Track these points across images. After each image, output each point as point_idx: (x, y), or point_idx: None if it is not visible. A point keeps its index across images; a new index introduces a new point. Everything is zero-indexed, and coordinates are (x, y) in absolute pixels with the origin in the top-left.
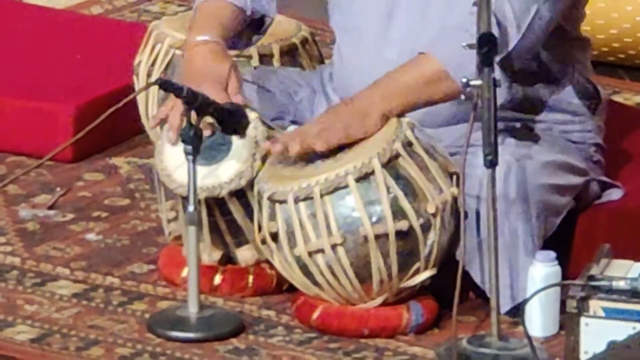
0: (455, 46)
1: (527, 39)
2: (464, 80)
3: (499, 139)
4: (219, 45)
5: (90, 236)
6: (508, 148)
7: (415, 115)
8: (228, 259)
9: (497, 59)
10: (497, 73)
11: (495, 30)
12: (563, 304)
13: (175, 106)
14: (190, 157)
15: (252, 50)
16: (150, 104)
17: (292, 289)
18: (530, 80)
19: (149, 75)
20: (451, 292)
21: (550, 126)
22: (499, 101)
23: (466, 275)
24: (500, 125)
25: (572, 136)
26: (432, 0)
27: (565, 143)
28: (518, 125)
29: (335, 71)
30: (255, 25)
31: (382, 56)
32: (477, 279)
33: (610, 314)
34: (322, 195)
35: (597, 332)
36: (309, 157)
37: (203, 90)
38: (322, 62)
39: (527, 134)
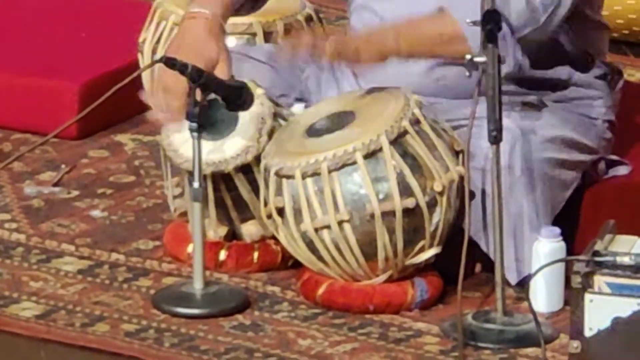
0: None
1: (554, 16)
2: (468, 57)
3: (505, 112)
4: (214, 22)
5: (95, 213)
6: (514, 121)
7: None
8: (233, 235)
9: (520, 33)
10: (510, 44)
11: (522, 6)
12: (568, 279)
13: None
14: (195, 135)
15: (257, 28)
16: (155, 81)
17: (297, 265)
18: (549, 62)
19: (153, 52)
20: (456, 268)
21: (566, 101)
22: (504, 70)
23: (471, 251)
24: (507, 99)
25: (588, 111)
26: None
27: (580, 119)
28: (527, 99)
29: None
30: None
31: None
32: (485, 249)
33: (615, 289)
34: (329, 171)
35: (601, 308)
36: (315, 131)
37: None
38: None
39: (534, 108)
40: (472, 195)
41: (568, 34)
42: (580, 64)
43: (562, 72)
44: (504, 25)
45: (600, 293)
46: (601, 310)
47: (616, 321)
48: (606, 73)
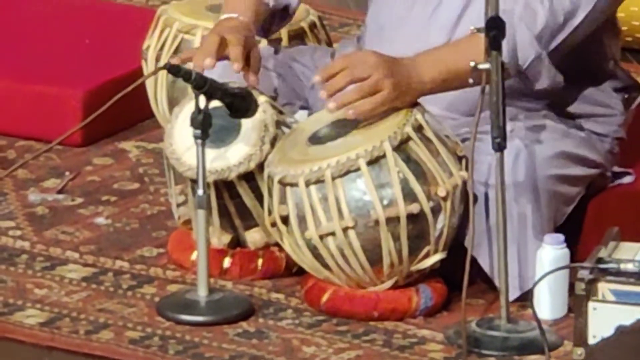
0: (515, 32)
1: (586, 23)
2: (472, 64)
3: (510, 125)
4: (246, 24)
5: (100, 220)
6: (518, 133)
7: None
8: (237, 243)
9: (554, 44)
10: (544, 62)
11: (547, 15)
12: (571, 286)
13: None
14: (199, 141)
15: None
16: (158, 89)
17: (301, 272)
18: (569, 73)
19: (157, 59)
20: (460, 275)
21: (577, 117)
22: (544, 84)
23: (475, 259)
24: (513, 111)
25: (598, 128)
26: None
27: (588, 135)
28: (534, 114)
29: None
30: (280, 16)
31: (427, 42)
32: (485, 268)
33: (619, 296)
34: (333, 179)
35: (605, 316)
36: (318, 139)
37: (228, 38)
38: (330, 46)
39: (540, 122)
40: (475, 199)
41: (598, 39)
42: (599, 72)
43: (577, 87)
44: (537, 45)
45: (604, 301)
46: (604, 319)
47: (619, 329)
48: (624, 87)
